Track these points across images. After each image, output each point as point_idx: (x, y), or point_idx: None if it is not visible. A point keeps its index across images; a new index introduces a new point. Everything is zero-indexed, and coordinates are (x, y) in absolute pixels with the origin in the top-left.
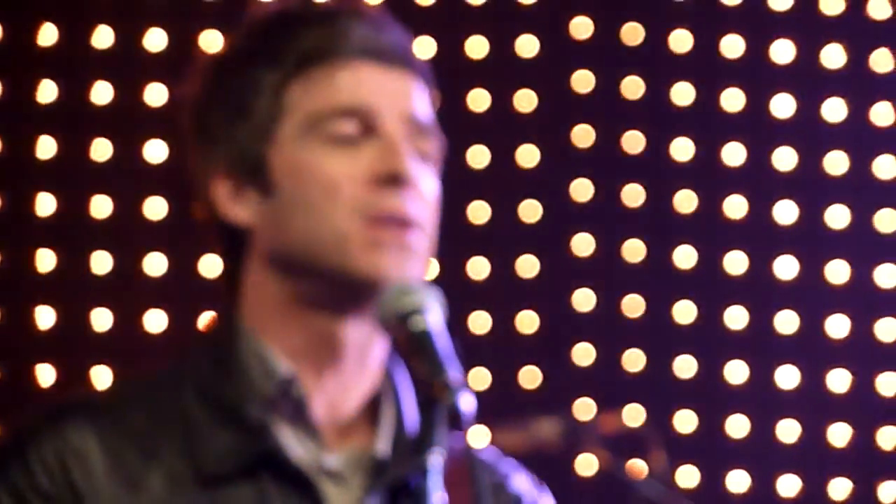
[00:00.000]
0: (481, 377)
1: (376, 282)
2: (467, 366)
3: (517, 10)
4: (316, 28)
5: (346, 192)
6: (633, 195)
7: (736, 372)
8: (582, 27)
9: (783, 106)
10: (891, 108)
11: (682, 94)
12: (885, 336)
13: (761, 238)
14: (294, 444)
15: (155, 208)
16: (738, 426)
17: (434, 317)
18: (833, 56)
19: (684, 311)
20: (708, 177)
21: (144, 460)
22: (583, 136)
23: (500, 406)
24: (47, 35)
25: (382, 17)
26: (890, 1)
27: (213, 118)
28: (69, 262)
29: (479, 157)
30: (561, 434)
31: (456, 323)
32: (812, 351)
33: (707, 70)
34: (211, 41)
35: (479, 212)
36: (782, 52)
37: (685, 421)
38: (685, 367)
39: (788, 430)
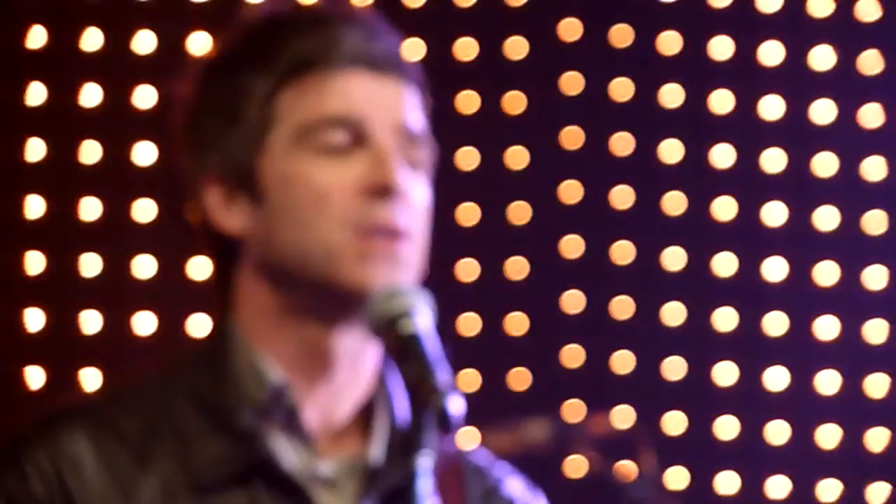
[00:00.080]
0: (471, 379)
1: (367, 294)
2: (456, 368)
3: (506, 12)
4: (308, 35)
5: (337, 204)
6: (623, 197)
7: (725, 373)
8: (571, 29)
9: (772, 108)
10: (880, 110)
11: (672, 95)
12: (874, 338)
13: (751, 240)
14: (287, 452)
15: (144, 211)
16: (727, 428)
17: (423, 319)
18: (822, 58)
19: (673, 313)
20: (697, 179)
21: (138, 467)
22: (572, 138)
23: (489, 408)
24: (36, 37)
25: (374, 22)
26: (878, 2)
27: (204, 123)
28: (58, 265)
29: (468, 158)
30: (550, 436)
31: (445, 325)
32: (801, 353)
33: (696, 72)
34: (200, 43)
35: (468, 214)
36: (771, 53)
37: (675, 423)
38: (675, 368)
39: (778, 432)
